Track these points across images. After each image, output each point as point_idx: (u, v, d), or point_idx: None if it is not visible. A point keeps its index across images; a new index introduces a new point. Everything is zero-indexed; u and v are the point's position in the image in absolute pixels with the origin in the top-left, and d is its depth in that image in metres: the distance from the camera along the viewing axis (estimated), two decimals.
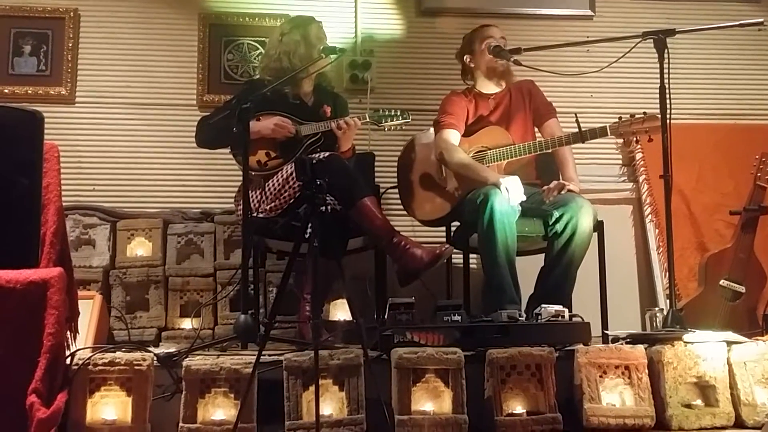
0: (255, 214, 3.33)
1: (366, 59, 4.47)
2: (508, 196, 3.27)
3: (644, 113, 3.28)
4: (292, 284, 3.55)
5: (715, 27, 3.46)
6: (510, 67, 3.64)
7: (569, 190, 3.39)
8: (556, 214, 3.31)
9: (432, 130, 3.73)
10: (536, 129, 3.70)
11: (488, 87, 3.70)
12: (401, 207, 3.79)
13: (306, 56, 3.56)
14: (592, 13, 4.68)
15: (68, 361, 2.42)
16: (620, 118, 3.34)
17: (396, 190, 3.85)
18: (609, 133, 3.38)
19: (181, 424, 2.40)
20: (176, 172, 4.33)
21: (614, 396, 2.60)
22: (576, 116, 3.36)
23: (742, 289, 3.67)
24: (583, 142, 3.43)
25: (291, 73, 3.46)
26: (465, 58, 3.73)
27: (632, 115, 3.32)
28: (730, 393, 2.62)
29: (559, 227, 3.30)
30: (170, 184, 4.33)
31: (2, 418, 2.23)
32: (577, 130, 3.38)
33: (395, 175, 3.85)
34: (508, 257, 3.26)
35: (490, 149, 3.56)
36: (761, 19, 3.25)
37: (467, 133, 3.65)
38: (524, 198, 3.31)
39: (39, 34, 4.35)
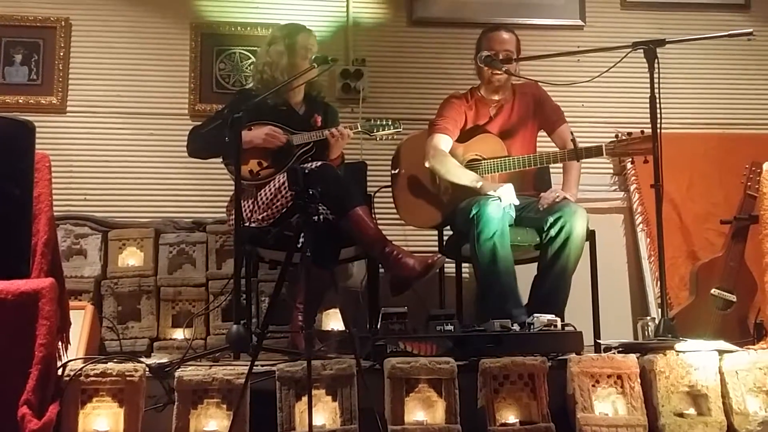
0: (247, 224, 3.33)
1: (358, 69, 4.48)
2: (501, 204, 3.27)
3: (642, 132, 3.21)
4: (285, 294, 3.55)
5: (705, 37, 3.47)
6: (508, 82, 3.61)
7: (564, 198, 3.40)
8: (551, 219, 3.31)
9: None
10: (548, 136, 3.68)
11: (490, 94, 3.65)
12: (393, 215, 3.78)
13: (290, 67, 3.52)
14: (583, 24, 4.71)
15: (60, 372, 2.41)
16: (617, 136, 3.33)
17: (386, 197, 3.83)
18: (604, 154, 3.37)
19: None
20: (168, 181, 4.33)
21: (607, 405, 2.60)
22: (572, 134, 3.35)
23: (733, 297, 3.68)
24: (577, 161, 3.44)
25: (275, 85, 3.43)
26: (475, 59, 3.62)
27: (629, 134, 3.31)
28: (722, 402, 2.63)
29: (553, 232, 3.30)
30: (162, 193, 4.32)
31: None
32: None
33: (387, 184, 3.84)
34: (506, 265, 3.25)
35: (485, 159, 3.55)
36: (750, 30, 3.25)
37: (462, 138, 3.64)
38: (517, 202, 3.32)
39: (30, 44, 4.35)
